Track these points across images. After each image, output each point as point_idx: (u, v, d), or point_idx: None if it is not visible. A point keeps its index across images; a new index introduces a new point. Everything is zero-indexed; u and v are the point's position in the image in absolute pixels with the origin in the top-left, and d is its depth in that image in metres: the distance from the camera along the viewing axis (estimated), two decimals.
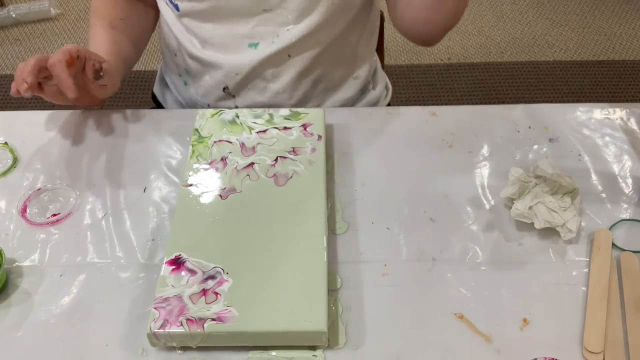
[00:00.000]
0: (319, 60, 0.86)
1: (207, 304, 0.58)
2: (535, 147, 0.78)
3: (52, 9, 2.22)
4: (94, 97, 0.79)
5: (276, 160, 0.72)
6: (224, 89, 0.87)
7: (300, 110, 0.78)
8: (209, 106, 0.90)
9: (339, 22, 0.84)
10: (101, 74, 0.76)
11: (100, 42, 0.84)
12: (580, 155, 0.77)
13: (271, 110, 0.78)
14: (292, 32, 0.81)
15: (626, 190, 0.73)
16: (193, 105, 0.93)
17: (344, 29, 0.85)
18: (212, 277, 0.60)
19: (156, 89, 1.03)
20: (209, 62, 0.86)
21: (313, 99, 0.90)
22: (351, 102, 0.95)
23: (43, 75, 0.71)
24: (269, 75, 0.85)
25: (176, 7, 0.82)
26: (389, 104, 1.05)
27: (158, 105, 1.04)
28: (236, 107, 0.88)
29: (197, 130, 0.76)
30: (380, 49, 1.17)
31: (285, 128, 0.75)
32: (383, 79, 1.03)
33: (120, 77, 0.82)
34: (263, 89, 0.86)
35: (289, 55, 0.84)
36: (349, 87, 0.92)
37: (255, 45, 0.83)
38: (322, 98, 0.91)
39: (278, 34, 0.82)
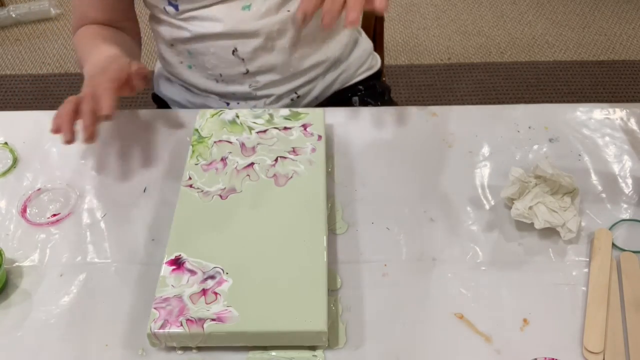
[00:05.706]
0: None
1: (207, 304, 0.58)
2: (535, 147, 0.78)
3: (52, 9, 2.22)
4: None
5: (276, 160, 0.72)
6: (233, 51, 0.87)
7: (300, 110, 0.78)
8: (221, 76, 0.90)
9: None
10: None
11: (110, 44, 0.83)
12: (580, 155, 0.77)
13: (271, 110, 0.78)
14: None
15: (626, 190, 0.73)
16: (203, 89, 0.93)
17: None
18: (212, 277, 0.60)
19: (157, 89, 1.03)
20: (209, 33, 0.86)
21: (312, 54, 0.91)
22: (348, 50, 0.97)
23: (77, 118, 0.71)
24: (273, 33, 0.85)
25: (176, 8, 0.83)
26: (382, 78, 1.05)
27: (159, 103, 1.03)
28: (247, 71, 0.88)
29: (197, 130, 0.76)
30: (380, 49, 1.17)
31: (285, 128, 0.75)
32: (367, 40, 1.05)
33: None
34: (270, 48, 0.86)
35: (289, 11, 0.84)
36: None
37: (249, 7, 0.83)
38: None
39: None
